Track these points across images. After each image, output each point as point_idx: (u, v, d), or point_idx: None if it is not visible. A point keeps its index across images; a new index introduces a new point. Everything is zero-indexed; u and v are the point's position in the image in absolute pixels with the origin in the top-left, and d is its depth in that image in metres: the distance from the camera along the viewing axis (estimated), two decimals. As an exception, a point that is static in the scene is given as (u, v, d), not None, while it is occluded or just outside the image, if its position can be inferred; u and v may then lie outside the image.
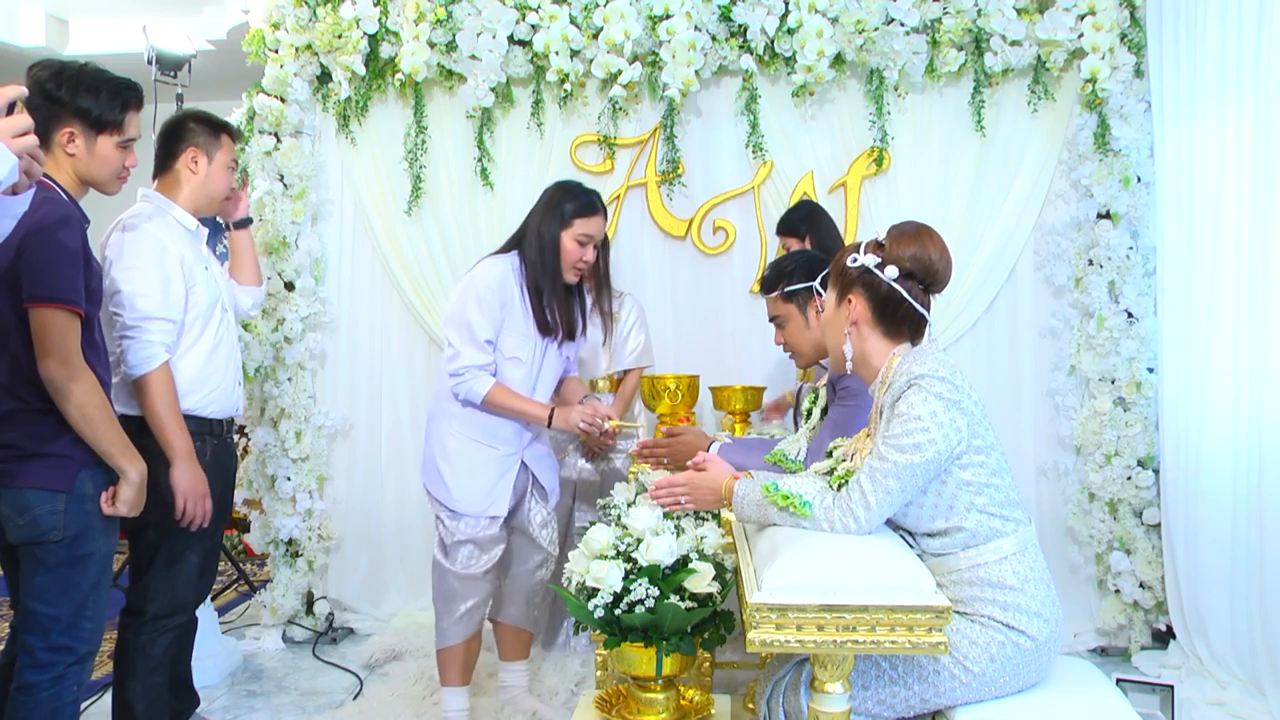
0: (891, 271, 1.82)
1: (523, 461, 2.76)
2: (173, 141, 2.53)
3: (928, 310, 1.87)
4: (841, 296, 1.90)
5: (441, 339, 2.90)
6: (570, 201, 2.67)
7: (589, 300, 2.88)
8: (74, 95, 2.05)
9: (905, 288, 1.83)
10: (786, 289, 2.41)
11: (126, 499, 2.07)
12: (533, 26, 3.56)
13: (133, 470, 2.07)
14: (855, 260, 1.87)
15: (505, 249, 2.74)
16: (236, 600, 4.26)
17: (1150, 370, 3.43)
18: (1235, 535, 3.00)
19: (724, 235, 3.73)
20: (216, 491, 2.56)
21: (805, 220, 3.17)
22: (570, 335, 2.77)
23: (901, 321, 1.86)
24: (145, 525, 2.34)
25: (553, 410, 2.65)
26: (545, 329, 2.69)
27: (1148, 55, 3.36)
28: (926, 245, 1.83)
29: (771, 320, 2.50)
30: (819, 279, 2.36)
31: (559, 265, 2.66)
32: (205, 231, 2.60)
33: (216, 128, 2.57)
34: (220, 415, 2.56)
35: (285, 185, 3.70)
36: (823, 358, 2.38)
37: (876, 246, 1.87)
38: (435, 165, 3.76)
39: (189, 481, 2.36)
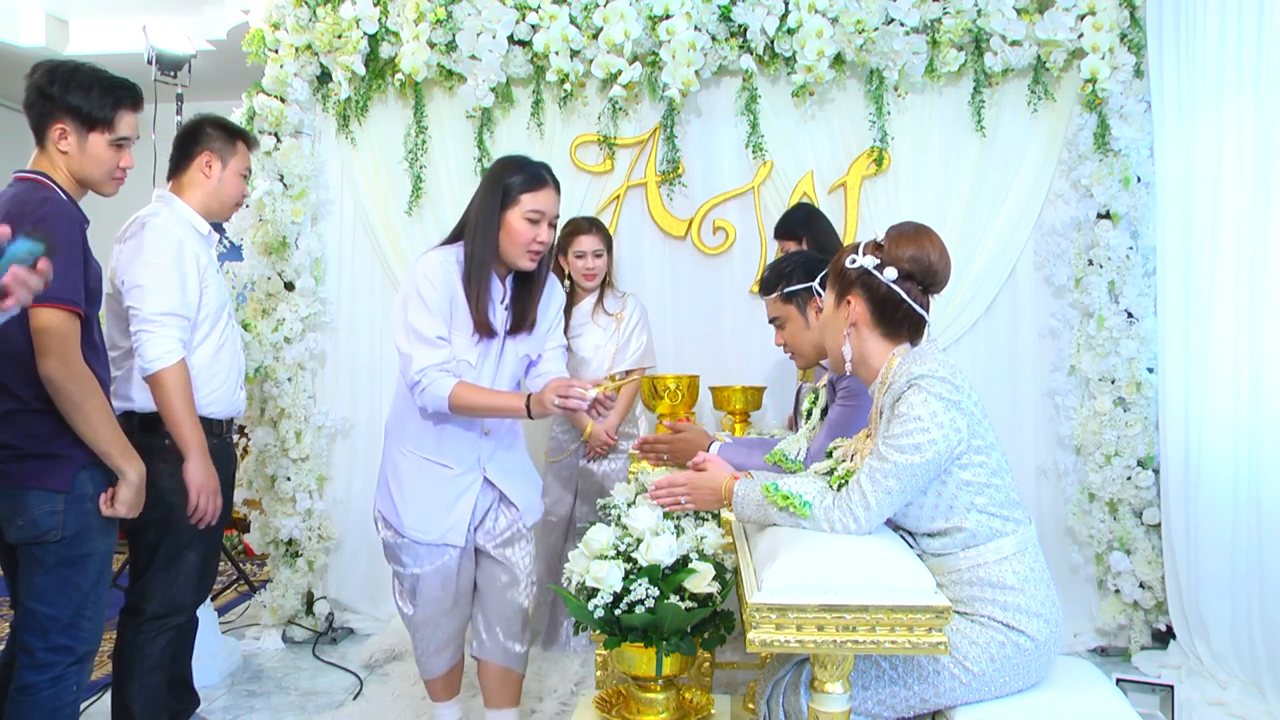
0: (891, 273, 1.82)
1: (486, 479, 2.46)
2: (188, 145, 2.57)
3: (926, 311, 1.87)
4: (840, 297, 1.90)
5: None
6: (514, 175, 2.34)
7: (544, 290, 2.51)
8: (65, 92, 2.06)
9: (904, 289, 1.83)
10: (786, 290, 2.41)
11: (125, 500, 2.08)
12: (533, 26, 3.56)
13: (131, 471, 2.07)
14: (854, 261, 1.86)
15: (450, 239, 2.44)
16: (236, 600, 4.26)
17: (1150, 370, 3.43)
18: (1235, 535, 3.00)
19: (724, 235, 3.73)
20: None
21: (802, 224, 3.17)
22: (515, 331, 2.44)
23: (901, 323, 1.85)
24: (144, 525, 2.35)
25: (529, 398, 2.30)
26: (483, 328, 2.38)
27: (1148, 55, 3.36)
28: (926, 246, 1.83)
29: (771, 321, 2.50)
30: (818, 279, 2.36)
31: (490, 253, 2.34)
32: (216, 237, 2.64)
33: (233, 134, 2.61)
34: (221, 415, 2.58)
35: (285, 185, 3.70)
36: (823, 358, 2.38)
37: (875, 247, 1.86)
38: (435, 165, 3.76)
39: (202, 477, 2.37)
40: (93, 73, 2.10)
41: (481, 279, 2.35)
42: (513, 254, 2.36)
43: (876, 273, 1.83)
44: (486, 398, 2.33)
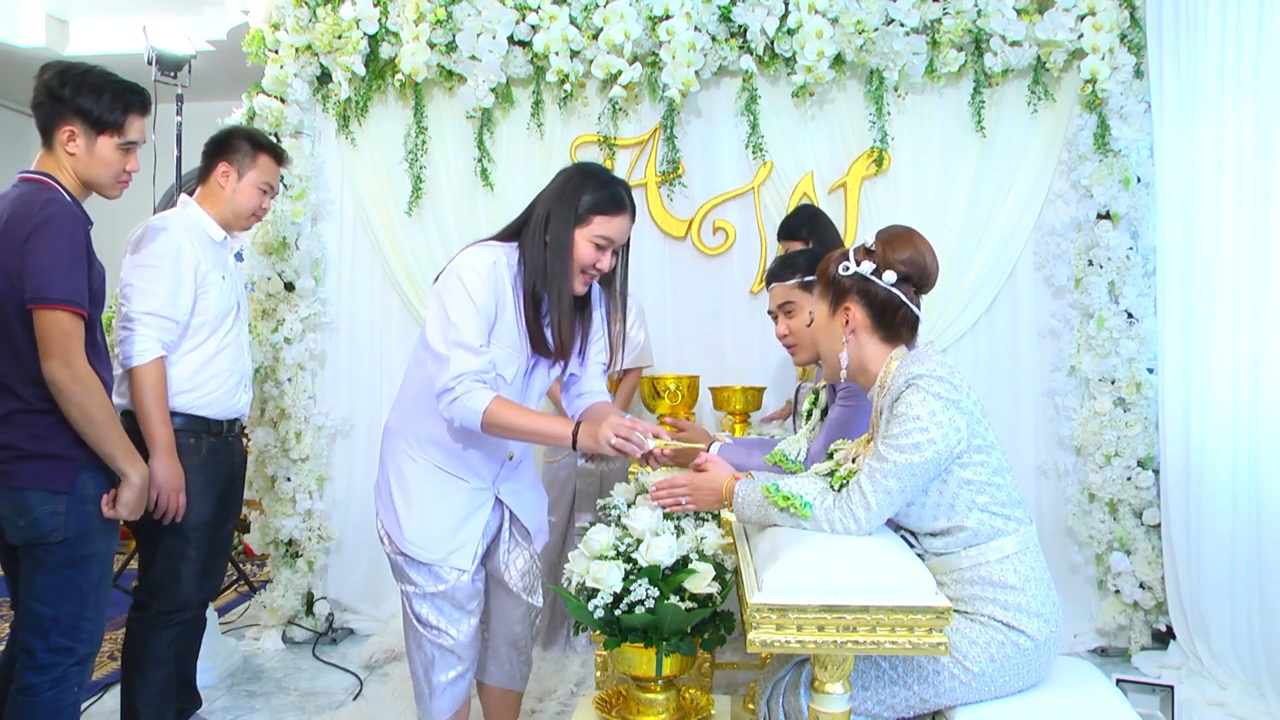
0: (890, 276, 1.82)
1: (497, 498, 2.25)
2: (212, 153, 2.62)
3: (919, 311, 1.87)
4: (836, 305, 1.89)
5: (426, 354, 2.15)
6: (591, 192, 2.08)
7: (596, 312, 2.28)
8: (75, 94, 2.07)
9: (902, 291, 1.83)
10: (804, 278, 2.40)
11: (127, 501, 2.08)
12: (533, 27, 3.56)
13: (134, 473, 2.08)
14: (848, 268, 1.86)
15: (503, 237, 2.18)
16: (236, 600, 4.26)
17: (1150, 370, 3.43)
18: (1235, 535, 3.00)
19: (724, 236, 3.73)
20: (218, 488, 2.59)
21: (806, 225, 3.16)
22: (564, 355, 2.19)
23: (900, 325, 1.86)
24: (147, 523, 2.37)
25: (578, 426, 2.05)
26: (539, 346, 2.14)
27: (1148, 56, 3.36)
28: (920, 247, 1.84)
29: (779, 308, 2.47)
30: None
31: (567, 269, 2.09)
32: (235, 244, 2.66)
33: (257, 147, 2.64)
34: (220, 416, 2.59)
35: (285, 185, 3.70)
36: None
37: (867, 253, 1.86)
38: (435, 166, 3.76)
39: (165, 475, 2.38)
40: (104, 76, 2.11)
41: (554, 295, 2.10)
42: (568, 274, 2.12)
43: (874, 278, 1.83)
44: (526, 420, 2.04)
